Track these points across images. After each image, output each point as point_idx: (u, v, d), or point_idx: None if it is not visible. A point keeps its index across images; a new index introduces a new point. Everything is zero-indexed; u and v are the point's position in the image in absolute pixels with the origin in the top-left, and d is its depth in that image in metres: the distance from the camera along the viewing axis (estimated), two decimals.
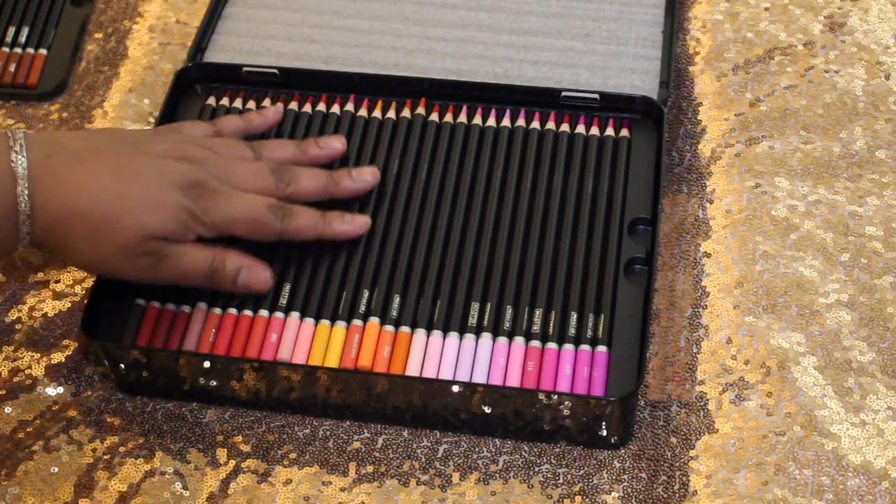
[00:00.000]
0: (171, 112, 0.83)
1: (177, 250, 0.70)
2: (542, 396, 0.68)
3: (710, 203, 0.80)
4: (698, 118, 0.85)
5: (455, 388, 0.69)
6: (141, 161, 0.70)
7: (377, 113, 0.82)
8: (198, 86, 0.85)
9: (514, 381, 0.70)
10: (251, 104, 0.83)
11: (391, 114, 0.82)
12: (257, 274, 0.73)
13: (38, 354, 0.75)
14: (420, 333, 0.72)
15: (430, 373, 0.70)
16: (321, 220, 0.74)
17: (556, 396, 0.68)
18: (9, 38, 0.90)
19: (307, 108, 0.83)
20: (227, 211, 0.71)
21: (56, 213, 0.67)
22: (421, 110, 0.82)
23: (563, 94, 0.82)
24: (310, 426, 0.71)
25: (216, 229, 0.71)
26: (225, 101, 0.84)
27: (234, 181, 0.72)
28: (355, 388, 0.70)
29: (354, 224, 0.75)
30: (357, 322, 0.73)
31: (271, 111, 0.81)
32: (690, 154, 0.83)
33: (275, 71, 0.84)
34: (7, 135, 0.67)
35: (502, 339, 0.72)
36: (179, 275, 0.71)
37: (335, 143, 0.79)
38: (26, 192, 0.66)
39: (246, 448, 0.71)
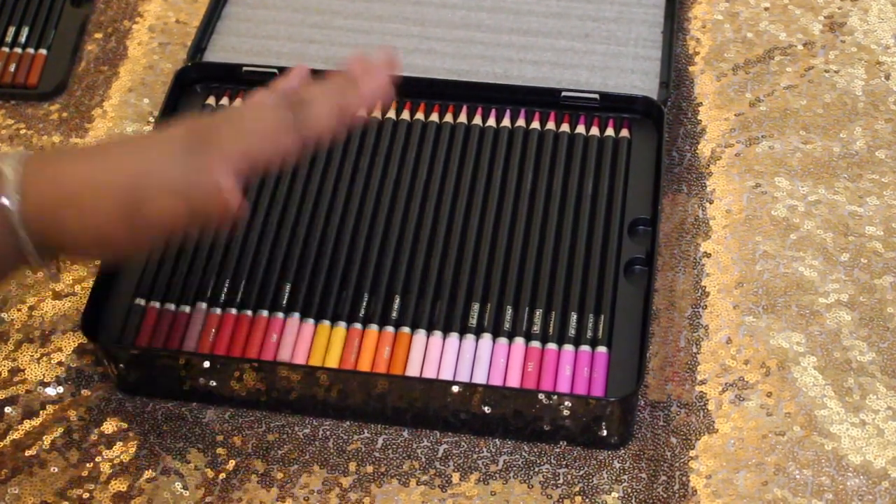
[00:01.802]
0: (170, 112, 0.83)
1: (156, 193, 0.61)
2: (541, 397, 0.68)
3: (710, 203, 0.80)
4: (698, 118, 0.85)
5: (455, 389, 0.69)
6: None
7: (376, 113, 0.82)
8: (197, 86, 0.85)
9: (514, 382, 0.70)
10: None
11: (391, 114, 0.82)
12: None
13: (38, 354, 0.75)
14: (420, 334, 0.72)
15: (430, 373, 0.71)
16: (339, 95, 0.65)
17: (555, 397, 0.68)
18: (9, 38, 0.90)
19: None
20: (238, 135, 0.63)
21: (46, 191, 0.59)
22: (421, 111, 0.82)
23: (563, 94, 0.82)
24: (310, 426, 0.71)
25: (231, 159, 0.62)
26: (225, 101, 0.84)
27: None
28: (355, 388, 0.70)
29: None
30: (357, 323, 0.73)
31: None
32: (690, 154, 0.83)
33: (274, 71, 0.84)
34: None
35: (502, 340, 0.72)
36: (158, 223, 0.61)
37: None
38: (13, 185, 0.59)
39: (246, 448, 0.71)
